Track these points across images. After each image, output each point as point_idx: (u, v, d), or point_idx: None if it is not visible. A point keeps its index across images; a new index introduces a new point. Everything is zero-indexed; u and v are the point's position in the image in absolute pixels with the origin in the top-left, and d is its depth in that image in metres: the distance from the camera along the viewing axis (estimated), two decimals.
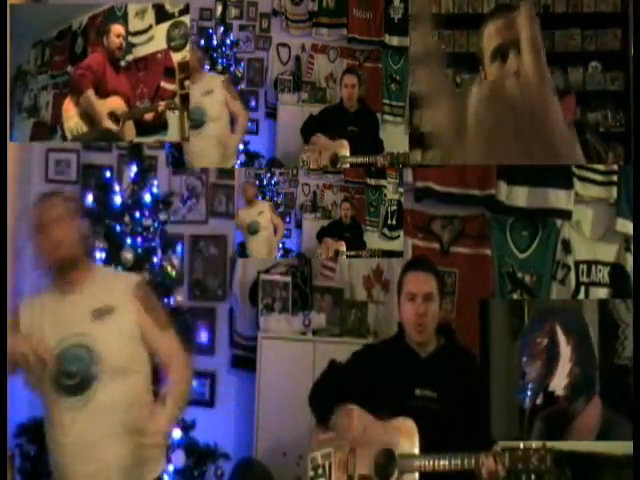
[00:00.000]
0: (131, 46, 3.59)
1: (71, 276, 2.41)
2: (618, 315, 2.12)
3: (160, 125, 3.56)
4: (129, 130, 3.49)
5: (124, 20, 3.57)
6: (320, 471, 2.73)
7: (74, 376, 2.30)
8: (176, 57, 3.59)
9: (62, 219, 2.39)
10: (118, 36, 3.53)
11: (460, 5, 5.14)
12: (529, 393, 1.75)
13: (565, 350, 1.74)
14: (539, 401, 1.77)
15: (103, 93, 3.47)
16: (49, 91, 3.73)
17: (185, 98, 3.60)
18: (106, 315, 2.35)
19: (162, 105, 3.50)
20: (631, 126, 4.67)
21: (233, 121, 4.10)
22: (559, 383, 1.74)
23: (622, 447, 3.12)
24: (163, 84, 3.57)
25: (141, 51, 3.61)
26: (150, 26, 3.60)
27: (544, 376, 1.75)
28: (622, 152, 4.65)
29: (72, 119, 3.43)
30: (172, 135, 3.59)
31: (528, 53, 1.07)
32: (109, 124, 3.43)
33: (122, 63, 3.55)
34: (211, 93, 4.01)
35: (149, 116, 3.54)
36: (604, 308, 2.09)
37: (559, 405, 1.74)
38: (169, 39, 3.60)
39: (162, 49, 3.61)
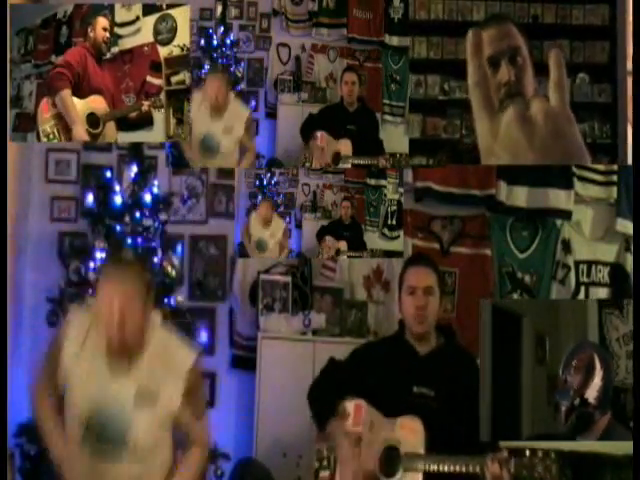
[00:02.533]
0: (117, 37, 3.47)
1: (125, 357, 2.31)
2: (612, 348, 2.72)
3: (145, 121, 3.48)
4: (110, 131, 3.41)
5: (110, 11, 3.47)
6: (325, 463, 2.72)
7: (104, 441, 2.28)
8: (163, 51, 3.51)
9: (133, 294, 2.25)
10: (104, 29, 3.39)
11: (450, 12, 5.16)
12: (570, 395, 2.44)
13: (599, 372, 2.45)
14: (576, 402, 2.44)
15: (84, 92, 3.33)
16: (32, 81, 3.64)
17: (171, 94, 3.52)
18: (148, 403, 2.29)
19: (146, 105, 3.40)
20: (624, 122, 4.68)
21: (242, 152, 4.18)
22: (592, 394, 2.45)
23: (622, 447, 3.12)
24: (149, 79, 3.48)
25: (127, 43, 3.49)
26: (137, 18, 3.51)
27: (582, 386, 2.44)
28: (616, 167, 4.67)
29: (48, 122, 3.32)
30: (157, 131, 3.52)
31: (556, 99, 1.08)
32: (82, 132, 3.30)
33: (108, 55, 3.45)
34: (230, 132, 4.05)
35: (133, 115, 3.46)
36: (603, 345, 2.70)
37: (589, 409, 2.45)
38: (156, 32, 3.52)
39: (149, 42, 3.52)
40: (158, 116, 3.46)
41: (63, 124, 3.27)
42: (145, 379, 2.30)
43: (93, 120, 3.31)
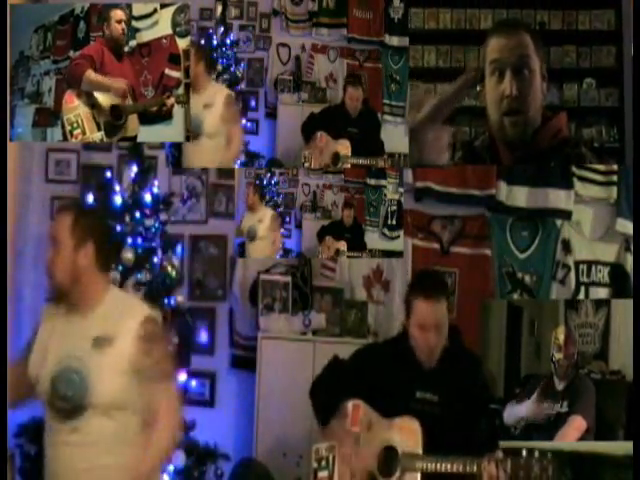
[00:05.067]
0: (135, 31, 3.45)
1: (79, 298, 2.34)
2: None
3: (164, 115, 3.48)
4: (133, 124, 3.42)
5: (127, 4, 3.48)
6: (324, 463, 2.73)
7: (68, 400, 2.25)
8: (181, 43, 3.50)
9: (78, 239, 2.30)
10: (119, 22, 3.37)
11: (458, 21, 5.19)
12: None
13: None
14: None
15: None
16: (51, 77, 3.66)
17: (188, 87, 3.52)
18: (105, 346, 2.28)
19: (171, 100, 3.40)
20: (631, 125, 4.69)
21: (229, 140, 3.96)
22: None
23: (622, 447, 3.13)
24: (168, 71, 3.47)
25: (145, 36, 3.47)
26: (155, 10, 3.51)
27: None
28: (616, 167, 4.70)
29: (72, 111, 3.33)
30: (177, 125, 3.51)
31: None
32: (122, 83, 3.30)
33: (126, 49, 3.45)
34: (210, 107, 3.87)
35: (154, 109, 3.46)
36: None
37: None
38: (174, 24, 3.50)
39: (167, 34, 3.51)
40: (177, 110, 3.47)
41: (87, 114, 3.30)
42: (102, 326, 2.31)
43: (116, 112, 3.33)
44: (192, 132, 3.78)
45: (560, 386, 3.14)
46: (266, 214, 4.67)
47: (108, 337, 2.28)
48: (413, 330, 2.72)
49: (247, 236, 4.58)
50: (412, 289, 2.82)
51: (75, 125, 3.32)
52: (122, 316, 2.34)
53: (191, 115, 3.71)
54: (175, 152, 4.33)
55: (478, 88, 2.17)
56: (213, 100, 3.90)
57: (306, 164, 4.47)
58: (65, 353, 2.29)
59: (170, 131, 3.53)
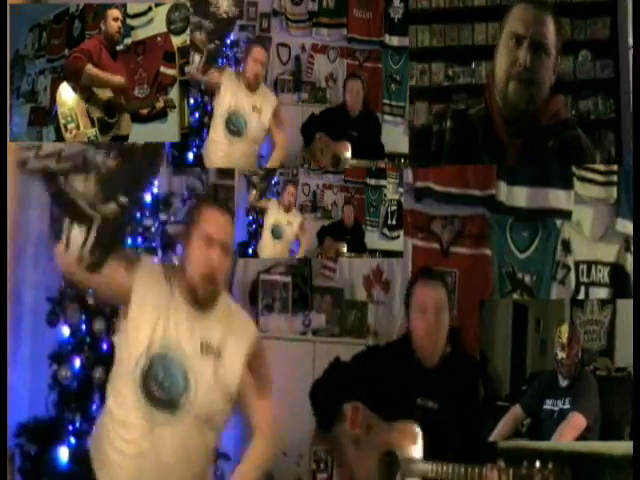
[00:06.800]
0: (130, 29, 3.47)
1: (203, 298, 2.28)
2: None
3: (159, 114, 3.49)
4: (126, 123, 3.43)
5: (122, 3, 3.50)
6: (322, 466, 2.73)
7: (163, 389, 2.20)
8: (176, 41, 3.52)
9: (227, 247, 2.28)
10: (115, 19, 3.42)
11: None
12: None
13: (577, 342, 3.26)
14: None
15: None
16: (47, 75, 3.68)
17: (185, 84, 3.54)
18: (213, 356, 2.26)
19: (160, 102, 3.43)
20: (630, 125, 4.69)
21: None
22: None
23: (622, 447, 3.14)
24: (163, 69, 3.49)
25: (140, 34, 3.51)
26: (149, 8, 3.53)
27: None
28: (612, 138, 4.74)
29: (66, 105, 3.35)
30: (171, 124, 3.52)
31: None
32: (123, 80, 3.34)
33: (120, 47, 3.47)
34: (259, 113, 3.88)
35: (144, 111, 3.48)
36: None
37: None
38: (169, 22, 3.52)
39: (162, 32, 3.53)
40: (173, 111, 3.49)
41: (82, 109, 3.32)
42: (211, 332, 2.27)
43: (108, 110, 3.34)
44: (235, 128, 3.81)
45: (564, 383, 3.14)
46: (297, 220, 4.60)
47: (217, 348, 2.26)
48: (414, 317, 2.75)
49: (272, 233, 4.55)
50: (411, 281, 2.88)
51: (69, 119, 3.33)
52: (232, 331, 2.32)
53: (238, 110, 3.78)
54: (175, 152, 4.34)
55: (474, 65, 2.19)
56: (262, 105, 3.90)
57: (305, 165, 4.48)
58: (174, 338, 2.22)
59: (165, 130, 3.54)
